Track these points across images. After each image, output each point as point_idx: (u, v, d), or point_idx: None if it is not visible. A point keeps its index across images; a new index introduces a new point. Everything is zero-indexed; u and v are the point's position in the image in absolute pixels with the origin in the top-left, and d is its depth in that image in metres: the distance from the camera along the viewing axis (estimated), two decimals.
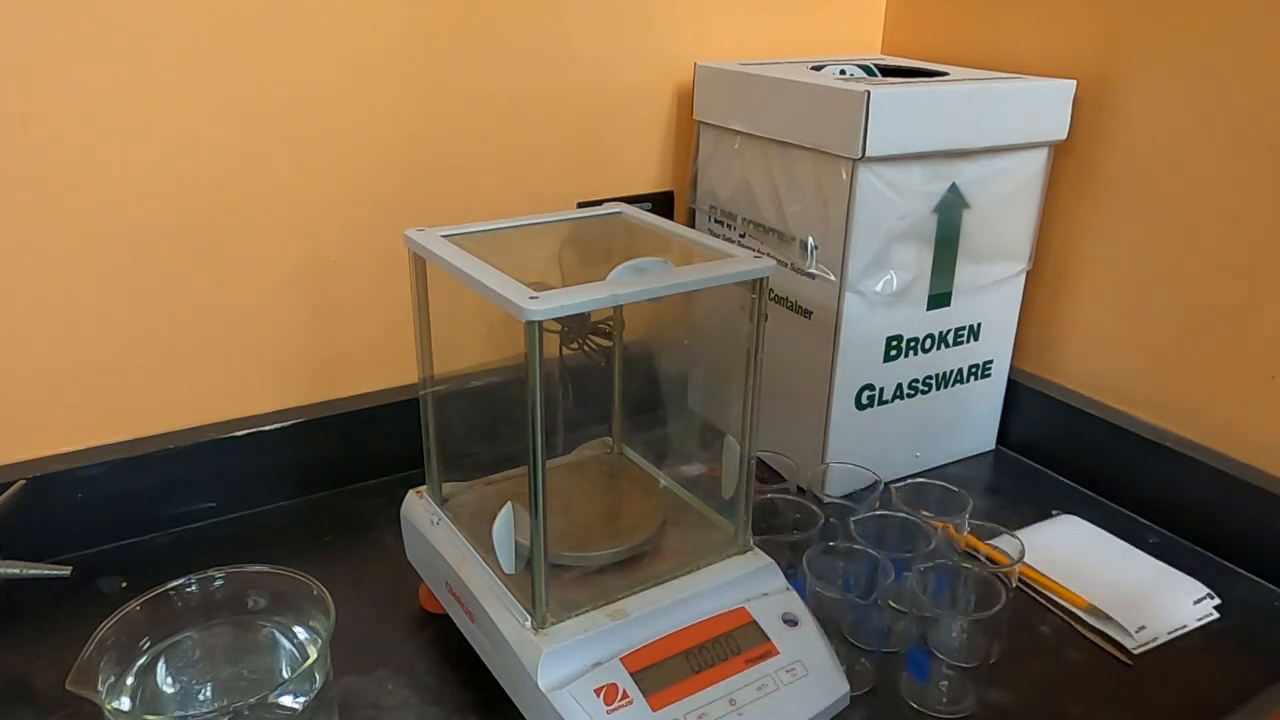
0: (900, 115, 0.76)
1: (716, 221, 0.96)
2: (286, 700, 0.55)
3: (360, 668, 0.68)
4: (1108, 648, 0.71)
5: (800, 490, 0.77)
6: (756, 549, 0.65)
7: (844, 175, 0.78)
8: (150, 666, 0.58)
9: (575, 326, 0.77)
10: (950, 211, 0.84)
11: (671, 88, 0.97)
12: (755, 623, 0.60)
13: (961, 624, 0.65)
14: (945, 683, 0.65)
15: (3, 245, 0.73)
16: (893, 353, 0.87)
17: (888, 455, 0.90)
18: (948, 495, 0.76)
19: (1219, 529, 0.82)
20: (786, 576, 0.64)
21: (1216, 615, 0.75)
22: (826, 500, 0.78)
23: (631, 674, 0.56)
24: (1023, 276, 0.93)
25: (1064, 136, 0.87)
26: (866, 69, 0.96)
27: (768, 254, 0.86)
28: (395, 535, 0.74)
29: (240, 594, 0.61)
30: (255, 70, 0.78)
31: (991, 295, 0.91)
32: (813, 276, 0.84)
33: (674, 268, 0.58)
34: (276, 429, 0.86)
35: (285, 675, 0.60)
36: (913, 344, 0.87)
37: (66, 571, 0.70)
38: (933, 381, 0.91)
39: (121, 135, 0.75)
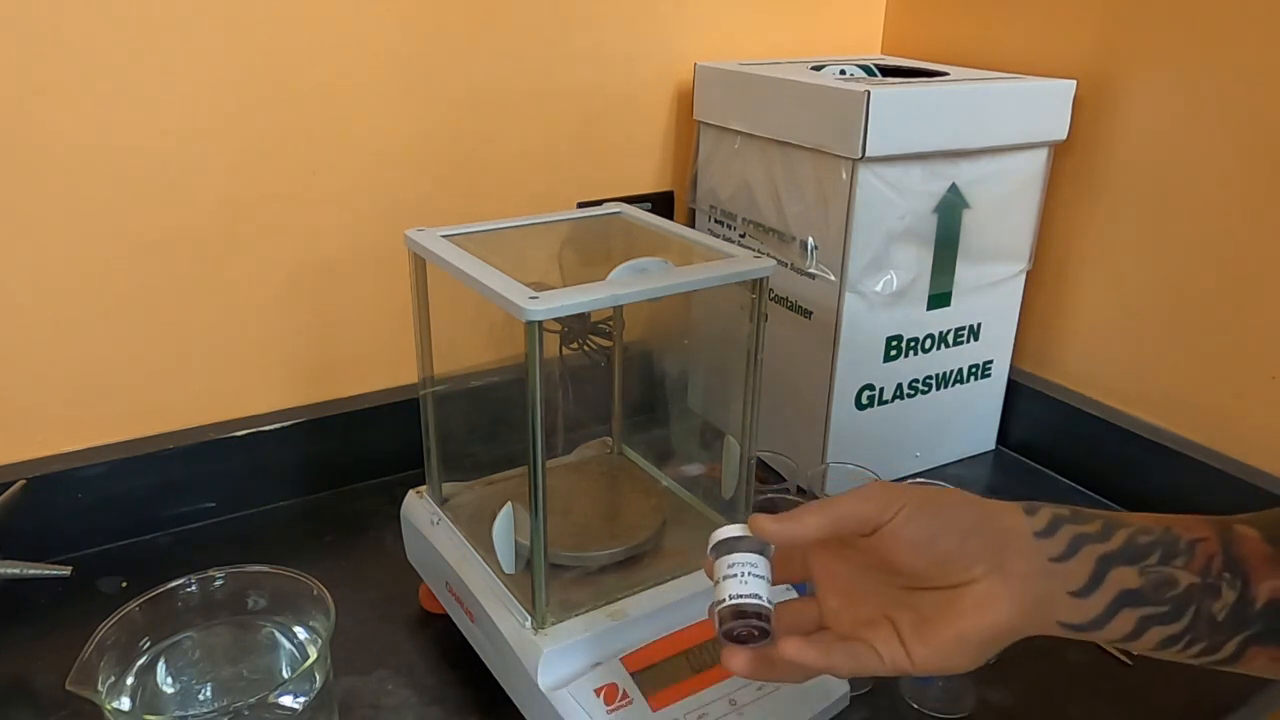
0: (900, 115, 0.76)
1: (716, 221, 0.96)
2: (286, 700, 0.55)
3: (360, 668, 0.68)
4: (1108, 648, 0.71)
5: (800, 490, 0.77)
6: None
7: (844, 175, 0.78)
8: (150, 666, 0.58)
9: (575, 326, 0.77)
10: (950, 211, 0.84)
11: (671, 88, 0.97)
12: None
13: None
14: (945, 683, 0.65)
15: (3, 245, 0.73)
16: (893, 353, 0.87)
17: (888, 455, 0.90)
18: None
19: None
20: None
21: None
22: None
23: (631, 674, 0.56)
24: (1023, 276, 0.92)
25: (1064, 136, 0.87)
26: (866, 69, 0.96)
27: (768, 254, 0.86)
28: (395, 535, 0.74)
29: (240, 594, 0.61)
30: (255, 72, 0.78)
31: (991, 295, 0.91)
32: (813, 276, 0.84)
33: (674, 268, 0.58)
34: (276, 429, 0.86)
35: (285, 675, 0.60)
36: (913, 344, 0.87)
37: (66, 571, 0.70)
38: (933, 381, 0.91)
39: (123, 136, 0.75)
